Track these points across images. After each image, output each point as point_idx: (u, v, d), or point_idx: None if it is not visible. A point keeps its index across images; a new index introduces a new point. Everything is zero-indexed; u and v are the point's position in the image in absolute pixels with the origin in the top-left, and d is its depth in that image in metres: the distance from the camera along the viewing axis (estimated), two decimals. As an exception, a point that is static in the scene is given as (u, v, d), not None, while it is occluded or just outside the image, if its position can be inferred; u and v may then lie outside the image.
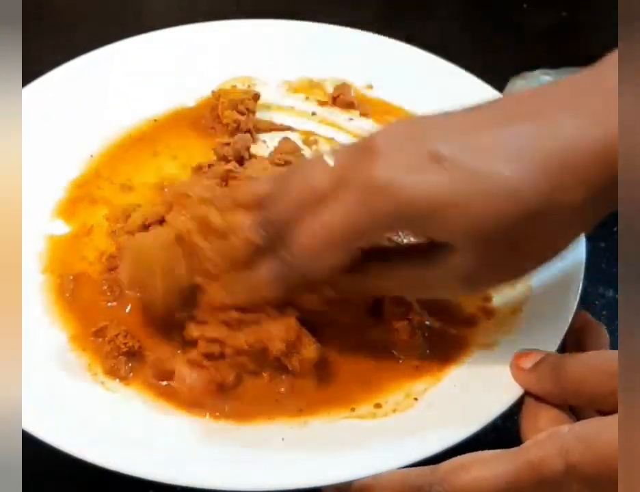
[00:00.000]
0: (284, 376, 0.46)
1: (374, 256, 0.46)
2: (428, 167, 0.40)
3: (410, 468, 0.41)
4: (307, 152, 0.59)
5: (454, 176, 0.40)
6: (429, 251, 0.44)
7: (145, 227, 0.52)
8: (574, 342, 0.47)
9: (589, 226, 0.43)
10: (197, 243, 0.45)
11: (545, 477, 0.37)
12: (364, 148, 0.42)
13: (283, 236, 0.43)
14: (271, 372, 0.47)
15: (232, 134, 0.60)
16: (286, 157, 0.56)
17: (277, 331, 0.45)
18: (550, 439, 0.38)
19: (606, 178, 0.40)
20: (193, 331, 0.46)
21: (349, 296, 0.48)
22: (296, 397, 0.46)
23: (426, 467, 0.40)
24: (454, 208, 0.40)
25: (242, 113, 0.61)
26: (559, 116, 0.41)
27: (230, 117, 0.60)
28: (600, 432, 0.37)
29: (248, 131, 0.60)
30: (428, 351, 0.48)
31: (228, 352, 0.46)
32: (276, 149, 0.58)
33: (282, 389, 0.46)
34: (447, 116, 0.43)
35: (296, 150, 0.58)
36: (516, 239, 0.41)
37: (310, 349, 0.46)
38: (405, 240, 0.51)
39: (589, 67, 0.42)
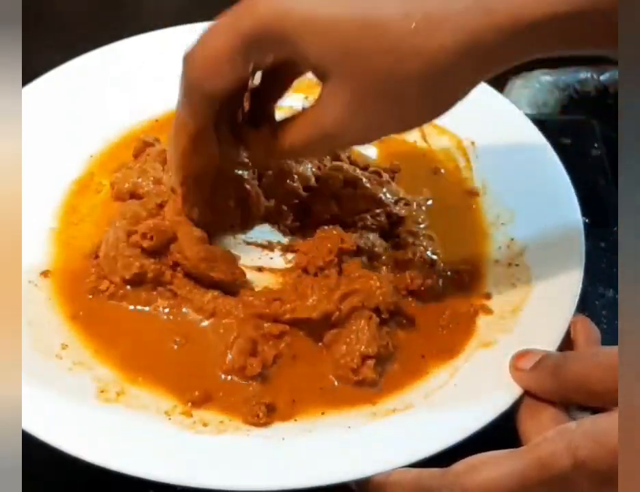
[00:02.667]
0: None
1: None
2: None
3: (423, 469, 0.41)
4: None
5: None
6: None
7: None
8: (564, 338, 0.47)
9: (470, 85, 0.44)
10: None
11: (554, 474, 0.37)
12: None
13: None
14: None
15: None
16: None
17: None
18: (559, 436, 0.38)
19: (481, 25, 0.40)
20: None
21: (261, 160, 0.50)
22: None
23: (438, 469, 0.40)
24: (330, 31, 0.41)
25: (241, 113, 0.61)
26: None
27: (229, 117, 0.60)
28: (611, 427, 0.37)
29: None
30: (441, 285, 0.52)
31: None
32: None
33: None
34: None
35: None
36: (383, 78, 0.42)
37: None
38: None
39: None
